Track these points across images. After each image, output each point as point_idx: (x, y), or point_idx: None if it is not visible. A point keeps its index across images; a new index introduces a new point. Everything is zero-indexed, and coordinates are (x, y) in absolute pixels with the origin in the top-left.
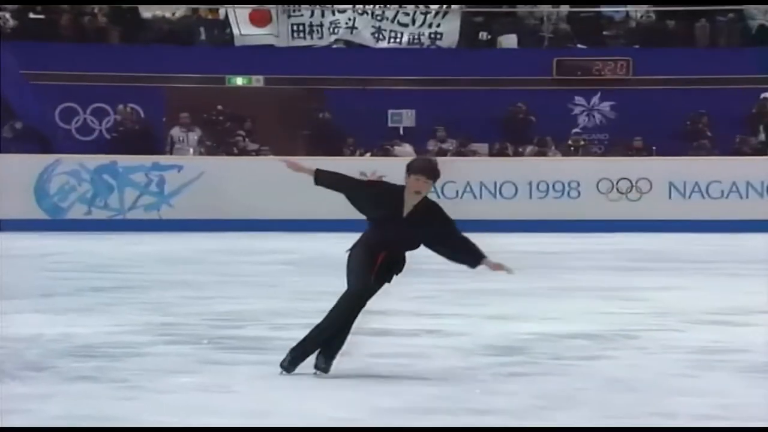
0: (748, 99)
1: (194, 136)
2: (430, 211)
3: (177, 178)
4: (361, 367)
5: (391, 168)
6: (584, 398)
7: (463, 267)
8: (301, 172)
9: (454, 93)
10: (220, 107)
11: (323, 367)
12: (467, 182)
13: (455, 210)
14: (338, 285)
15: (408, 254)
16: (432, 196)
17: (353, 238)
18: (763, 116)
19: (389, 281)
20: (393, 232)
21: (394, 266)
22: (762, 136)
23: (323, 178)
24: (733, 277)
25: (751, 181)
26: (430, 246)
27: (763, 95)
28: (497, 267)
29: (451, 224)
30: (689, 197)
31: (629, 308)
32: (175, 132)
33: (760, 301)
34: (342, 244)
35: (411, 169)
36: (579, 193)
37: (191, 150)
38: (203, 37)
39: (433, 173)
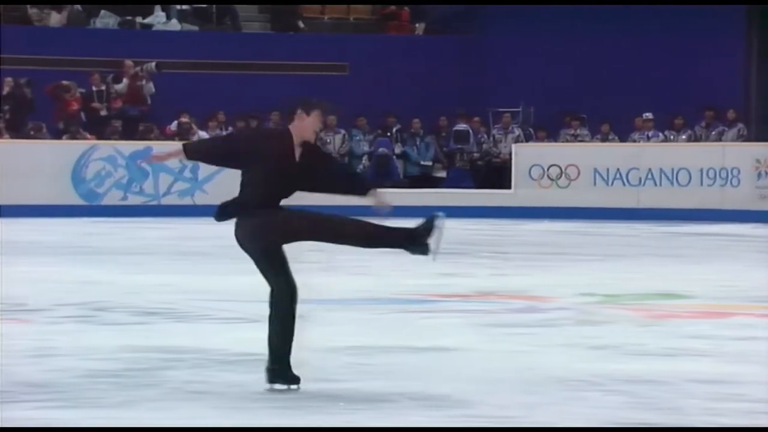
0: None
1: None
2: (314, 149)
3: None
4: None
5: None
6: None
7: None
8: (169, 158)
9: None
10: None
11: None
12: None
13: None
14: None
15: None
16: None
17: None
18: None
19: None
20: (285, 183)
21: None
22: None
23: (194, 150)
24: None
25: None
26: (318, 189)
27: None
28: (382, 203)
29: (333, 159)
30: None
31: None
32: None
33: None
34: None
35: (313, 106)
36: None
37: None
38: None
39: (331, 110)
